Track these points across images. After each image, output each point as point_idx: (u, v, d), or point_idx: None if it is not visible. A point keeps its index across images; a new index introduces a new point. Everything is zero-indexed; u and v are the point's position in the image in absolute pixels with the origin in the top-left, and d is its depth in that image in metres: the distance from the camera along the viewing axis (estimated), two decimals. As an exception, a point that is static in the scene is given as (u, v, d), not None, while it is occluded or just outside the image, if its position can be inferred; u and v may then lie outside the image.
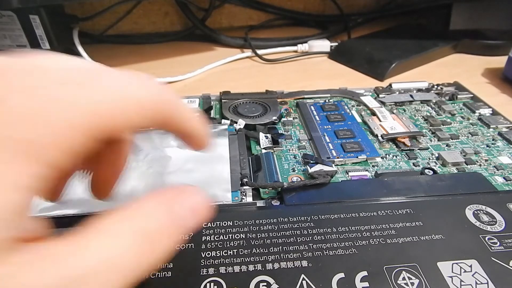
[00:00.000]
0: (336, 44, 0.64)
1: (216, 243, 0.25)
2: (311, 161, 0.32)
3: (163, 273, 0.23)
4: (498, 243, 0.25)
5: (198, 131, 0.21)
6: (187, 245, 0.24)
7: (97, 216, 0.15)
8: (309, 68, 0.60)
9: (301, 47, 0.65)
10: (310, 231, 0.26)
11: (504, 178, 0.32)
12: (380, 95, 0.46)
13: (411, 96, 0.45)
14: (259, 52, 0.62)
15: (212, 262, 0.23)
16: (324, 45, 0.65)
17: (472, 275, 0.23)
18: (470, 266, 0.23)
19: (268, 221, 0.26)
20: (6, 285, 0.12)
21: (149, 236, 0.16)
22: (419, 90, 0.47)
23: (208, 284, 0.22)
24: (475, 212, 0.27)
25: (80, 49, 0.52)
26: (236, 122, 0.38)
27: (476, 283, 0.22)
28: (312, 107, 0.42)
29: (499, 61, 0.56)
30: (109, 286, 0.14)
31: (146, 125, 0.17)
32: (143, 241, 0.15)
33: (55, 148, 0.14)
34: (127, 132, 0.19)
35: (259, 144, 0.36)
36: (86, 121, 0.15)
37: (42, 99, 0.14)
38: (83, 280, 0.13)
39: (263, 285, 0.22)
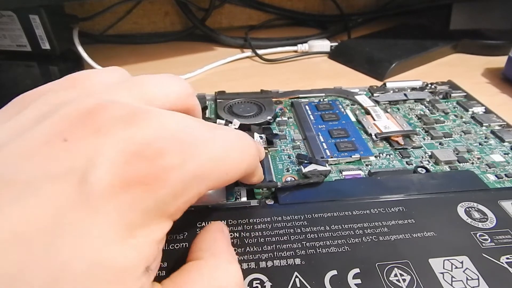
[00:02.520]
0: (336, 44, 0.65)
1: (210, 242, 0.25)
2: (305, 161, 0.33)
3: (158, 272, 0.23)
4: (489, 239, 0.25)
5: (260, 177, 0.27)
6: (181, 244, 0.24)
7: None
8: (309, 68, 0.60)
9: (301, 47, 0.65)
10: (304, 230, 0.26)
11: (496, 176, 0.32)
12: (375, 94, 0.46)
13: (405, 95, 0.45)
14: (259, 52, 0.62)
15: (207, 260, 0.24)
16: (324, 45, 0.65)
17: (463, 271, 0.23)
18: (461, 263, 0.24)
19: (262, 220, 0.27)
20: None
21: None
22: (413, 89, 0.47)
23: (202, 282, 0.22)
24: (467, 209, 0.27)
25: (80, 49, 0.52)
26: (231, 122, 0.38)
27: (467, 279, 0.23)
28: (306, 107, 0.43)
29: (499, 61, 0.56)
30: None
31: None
32: None
33: (184, 208, 0.18)
34: None
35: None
36: (206, 188, 0.19)
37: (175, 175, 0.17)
38: None
39: (256, 283, 0.23)
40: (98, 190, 0.15)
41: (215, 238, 0.22)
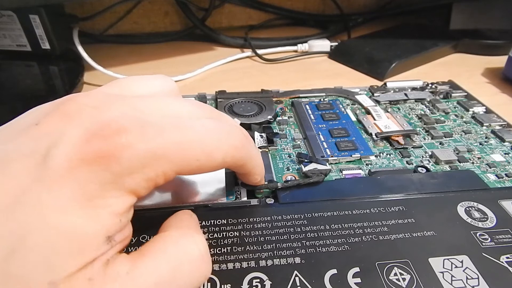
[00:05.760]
0: (336, 44, 0.64)
1: (210, 241, 0.25)
2: (305, 160, 0.33)
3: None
4: (489, 239, 0.25)
5: (258, 178, 0.27)
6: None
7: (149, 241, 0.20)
8: (309, 68, 0.60)
9: (301, 47, 0.65)
10: (304, 229, 0.26)
11: (496, 175, 0.33)
12: (375, 94, 0.46)
13: (405, 95, 0.45)
14: (259, 52, 0.62)
15: (206, 259, 0.24)
16: (324, 45, 0.65)
17: (463, 271, 0.23)
18: (461, 262, 0.24)
19: (262, 219, 0.27)
20: None
21: (199, 259, 0.20)
22: (413, 88, 0.47)
23: (202, 281, 0.22)
24: (467, 209, 0.27)
25: (80, 49, 0.52)
26: (231, 121, 0.38)
27: (467, 278, 0.23)
28: (307, 106, 0.43)
29: (499, 61, 0.56)
30: None
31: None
32: (196, 264, 0.20)
33: (145, 185, 0.19)
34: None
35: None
36: (170, 169, 0.19)
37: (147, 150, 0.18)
38: None
39: (256, 282, 0.23)
40: (58, 165, 0.17)
41: (181, 218, 0.22)
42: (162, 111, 0.21)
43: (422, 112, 0.42)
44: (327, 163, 0.33)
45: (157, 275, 0.18)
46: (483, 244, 0.25)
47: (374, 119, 0.40)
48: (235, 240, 0.25)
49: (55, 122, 0.18)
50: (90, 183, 0.17)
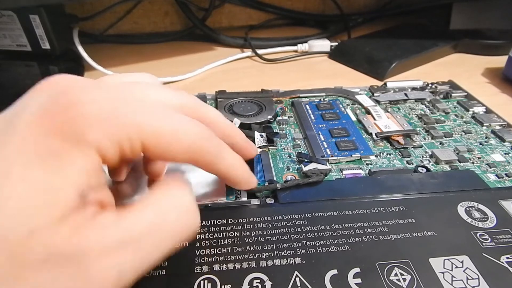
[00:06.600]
0: (336, 44, 0.64)
1: (210, 241, 0.25)
2: (306, 160, 0.33)
3: (158, 271, 0.23)
4: (490, 239, 0.25)
5: (238, 180, 0.26)
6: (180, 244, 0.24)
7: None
8: (309, 68, 0.60)
9: (301, 47, 0.65)
10: (304, 229, 0.26)
11: (496, 175, 0.33)
12: (375, 94, 0.46)
13: (405, 94, 0.45)
14: (259, 52, 0.62)
15: (207, 260, 0.24)
16: (324, 45, 0.65)
17: (464, 271, 0.23)
18: (462, 262, 0.24)
19: (262, 219, 0.27)
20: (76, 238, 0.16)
21: (186, 209, 0.20)
22: (413, 88, 0.47)
23: (202, 282, 0.22)
24: (467, 209, 0.27)
25: (80, 49, 0.52)
26: (231, 121, 0.38)
27: (467, 278, 0.23)
28: (307, 106, 0.43)
29: (499, 61, 0.56)
30: (158, 244, 0.18)
31: (182, 161, 0.22)
32: (182, 213, 0.20)
33: (110, 145, 0.18)
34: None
35: (254, 143, 0.36)
36: (135, 134, 0.19)
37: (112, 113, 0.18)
38: (140, 238, 0.17)
39: (256, 282, 0.23)
40: (22, 120, 0.17)
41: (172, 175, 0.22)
42: (136, 95, 0.21)
43: (422, 112, 0.42)
44: (327, 163, 0.32)
45: (143, 223, 0.18)
46: (483, 244, 0.25)
47: (374, 119, 0.40)
48: (235, 240, 0.25)
49: (30, 95, 0.19)
50: (51, 136, 0.17)
